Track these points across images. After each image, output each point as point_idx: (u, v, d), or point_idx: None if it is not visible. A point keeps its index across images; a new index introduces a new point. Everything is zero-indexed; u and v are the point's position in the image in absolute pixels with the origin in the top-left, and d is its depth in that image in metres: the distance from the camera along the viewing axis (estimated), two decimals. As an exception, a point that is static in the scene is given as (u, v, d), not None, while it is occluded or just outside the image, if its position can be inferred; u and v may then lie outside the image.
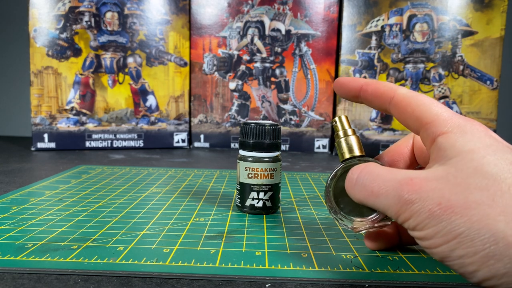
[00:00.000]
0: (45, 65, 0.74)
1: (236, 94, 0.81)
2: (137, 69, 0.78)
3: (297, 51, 0.80)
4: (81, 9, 0.74)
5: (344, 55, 0.78)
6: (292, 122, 0.81)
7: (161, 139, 0.81)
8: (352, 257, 0.28)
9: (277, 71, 0.80)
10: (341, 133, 0.29)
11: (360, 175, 0.24)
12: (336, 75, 0.80)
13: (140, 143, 0.80)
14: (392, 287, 0.25)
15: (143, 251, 0.28)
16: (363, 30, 0.77)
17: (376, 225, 0.27)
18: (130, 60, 0.78)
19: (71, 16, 0.74)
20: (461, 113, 0.77)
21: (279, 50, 0.80)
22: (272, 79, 0.81)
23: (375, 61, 0.77)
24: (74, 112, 0.76)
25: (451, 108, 0.77)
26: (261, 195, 0.37)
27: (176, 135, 0.82)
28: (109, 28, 0.76)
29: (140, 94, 0.79)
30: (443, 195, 0.20)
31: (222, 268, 0.26)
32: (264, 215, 0.38)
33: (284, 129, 0.82)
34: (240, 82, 0.81)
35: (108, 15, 0.76)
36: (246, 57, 0.80)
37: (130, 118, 0.79)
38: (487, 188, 0.20)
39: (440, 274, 0.26)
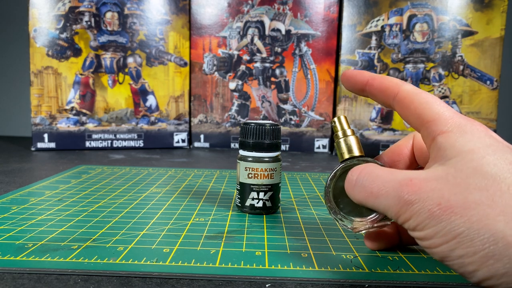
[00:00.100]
0: (45, 65, 0.74)
1: (236, 94, 0.81)
2: (137, 69, 0.78)
3: (297, 51, 0.80)
4: (81, 9, 0.74)
5: (344, 55, 0.78)
6: (292, 122, 0.81)
7: (161, 139, 0.81)
8: (352, 257, 0.28)
9: (277, 71, 0.80)
10: (340, 133, 0.29)
11: (359, 176, 0.24)
12: (336, 75, 0.80)
13: (140, 143, 0.80)
14: (392, 287, 0.25)
15: (143, 251, 0.28)
16: (363, 30, 0.77)
17: (376, 225, 0.27)
18: (130, 60, 0.78)
19: (71, 16, 0.74)
20: (461, 113, 0.77)
21: (279, 50, 0.80)
22: (272, 79, 0.81)
23: (375, 61, 0.77)
24: (74, 112, 0.76)
25: (451, 108, 0.77)
26: (261, 195, 0.37)
27: (176, 135, 0.82)
28: (109, 28, 0.76)
29: (140, 94, 0.79)
30: (443, 195, 0.20)
31: (222, 268, 0.26)
32: (264, 215, 0.38)
33: (284, 129, 0.82)
34: (240, 82, 0.81)
35: (108, 15, 0.76)
36: (246, 57, 0.80)
37: (130, 118, 0.79)
38: (486, 188, 0.20)
39: (440, 274, 0.26)
